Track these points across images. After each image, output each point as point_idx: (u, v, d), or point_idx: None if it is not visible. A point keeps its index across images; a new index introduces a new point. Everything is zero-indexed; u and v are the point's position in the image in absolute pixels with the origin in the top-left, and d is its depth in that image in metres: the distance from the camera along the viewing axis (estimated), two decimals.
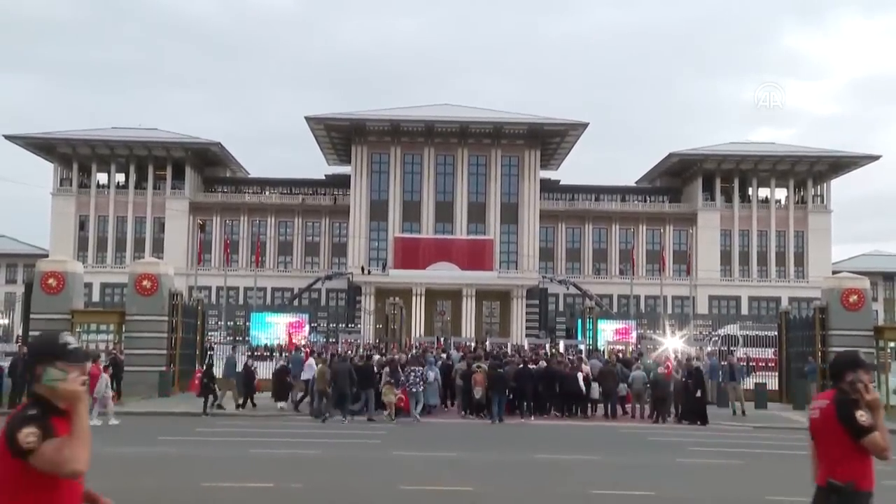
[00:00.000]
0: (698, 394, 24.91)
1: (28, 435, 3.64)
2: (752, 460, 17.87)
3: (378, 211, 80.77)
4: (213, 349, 39.19)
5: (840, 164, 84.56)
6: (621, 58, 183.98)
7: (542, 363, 27.40)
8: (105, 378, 22.72)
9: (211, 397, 25.74)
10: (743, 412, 27.01)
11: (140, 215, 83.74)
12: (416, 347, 45.27)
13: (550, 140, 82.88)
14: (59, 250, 74.05)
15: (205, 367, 26.92)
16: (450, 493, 13.40)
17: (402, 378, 24.71)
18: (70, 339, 3.95)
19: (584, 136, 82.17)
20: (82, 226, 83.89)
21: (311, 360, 26.45)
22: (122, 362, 27.71)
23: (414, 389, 24.45)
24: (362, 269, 77.48)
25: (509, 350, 43.38)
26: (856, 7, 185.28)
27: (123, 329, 30.32)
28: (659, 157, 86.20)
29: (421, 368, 25.00)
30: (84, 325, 30.31)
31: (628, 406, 27.03)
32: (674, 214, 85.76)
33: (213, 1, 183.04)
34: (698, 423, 24.52)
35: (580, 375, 25.94)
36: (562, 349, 43.13)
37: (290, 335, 42.96)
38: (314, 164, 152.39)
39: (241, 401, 26.97)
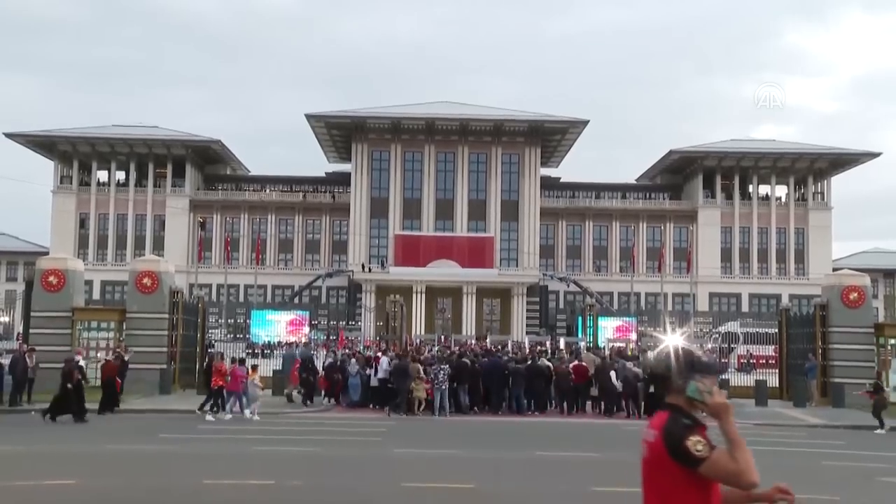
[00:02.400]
0: (651, 389, 25.27)
1: (696, 444, 3.80)
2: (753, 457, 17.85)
3: (378, 208, 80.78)
4: (213, 346, 39.22)
5: (840, 162, 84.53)
6: (622, 56, 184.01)
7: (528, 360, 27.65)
8: (256, 379, 23.94)
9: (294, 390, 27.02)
10: None
11: (140, 213, 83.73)
12: (415, 345, 45.26)
13: (551, 137, 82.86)
14: (60, 248, 74.03)
15: (302, 361, 27.78)
16: (451, 490, 13.41)
17: (432, 376, 25.30)
18: (703, 354, 4.19)
19: (584, 135, 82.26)
20: (83, 223, 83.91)
21: (385, 360, 26.69)
22: (125, 361, 27.68)
23: (444, 387, 24.92)
24: (363, 266, 77.49)
25: (510, 348, 43.43)
26: (858, 4, 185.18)
27: (124, 327, 30.30)
28: (659, 155, 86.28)
29: (447, 367, 25.32)
30: (85, 323, 30.28)
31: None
32: (674, 212, 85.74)
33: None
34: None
35: (613, 373, 25.93)
36: (562, 346, 43.18)
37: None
38: (314, 161, 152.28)
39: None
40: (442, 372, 25.08)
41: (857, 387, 29.16)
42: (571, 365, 27.16)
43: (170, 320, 30.28)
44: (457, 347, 38.36)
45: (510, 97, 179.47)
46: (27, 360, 25.46)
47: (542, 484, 14.17)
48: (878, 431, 23.24)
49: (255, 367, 25.11)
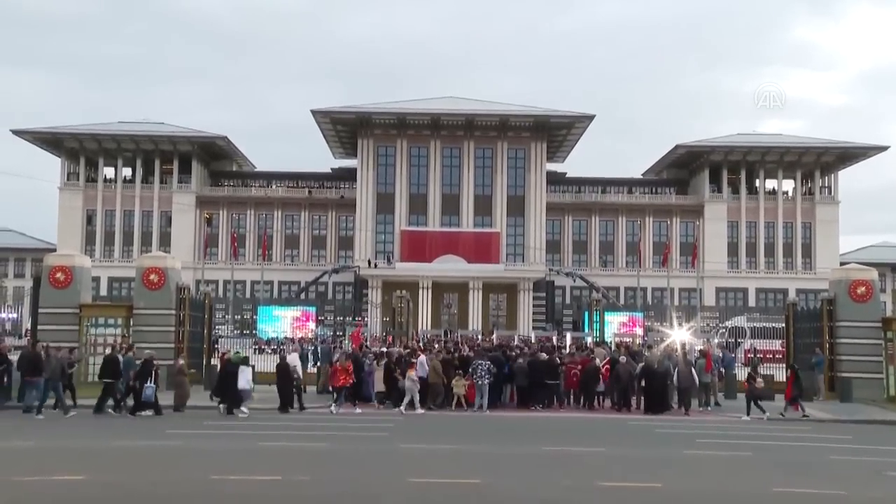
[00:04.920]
0: (643, 383, 26.04)
1: None
2: (760, 452, 17.86)
3: (384, 204, 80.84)
4: (218, 342, 39.28)
5: (848, 155, 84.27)
6: (627, 51, 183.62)
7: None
8: (413, 375, 24.74)
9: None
10: (716, 403, 27.53)
11: (147, 209, 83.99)
12: (422, 340, 45.27)
13: (556, 132, 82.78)
14: (67, 244, 74.29)
15: (355, 360, 27.72)
16: (457, 485, 13.43)
17: (470, 370, 25.42)
18: None
19: (590, 129, 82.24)
20: (90, 220, 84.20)
21: (423, 358, 26.65)
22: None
23: (480, 382, 25.05)
24: (369, 262, 77.53)
25: (516, 342, 43.35)
26: None
27: (131, 323, 30.35)
28: (666, 149, 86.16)
29: (487, 362, 25.34)
30: (92, 319, 30.35)
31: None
32: (681, 206, 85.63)
33: None
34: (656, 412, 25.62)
35: (693, 368, 25.95)
36: (568, 341, 43.15)
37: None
38: (320, 157, 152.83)
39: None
40: (480, 367, 25.10)
41: (865, 381, 29.16)
42: (580, 360, 27.24)
43: (177, 316, 30.32)
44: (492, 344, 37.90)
45: (515, 93, 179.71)
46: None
47: (547, 479, 14.18)
48: (744, 418, 24.41)
49: (412, 364, 25.38)
